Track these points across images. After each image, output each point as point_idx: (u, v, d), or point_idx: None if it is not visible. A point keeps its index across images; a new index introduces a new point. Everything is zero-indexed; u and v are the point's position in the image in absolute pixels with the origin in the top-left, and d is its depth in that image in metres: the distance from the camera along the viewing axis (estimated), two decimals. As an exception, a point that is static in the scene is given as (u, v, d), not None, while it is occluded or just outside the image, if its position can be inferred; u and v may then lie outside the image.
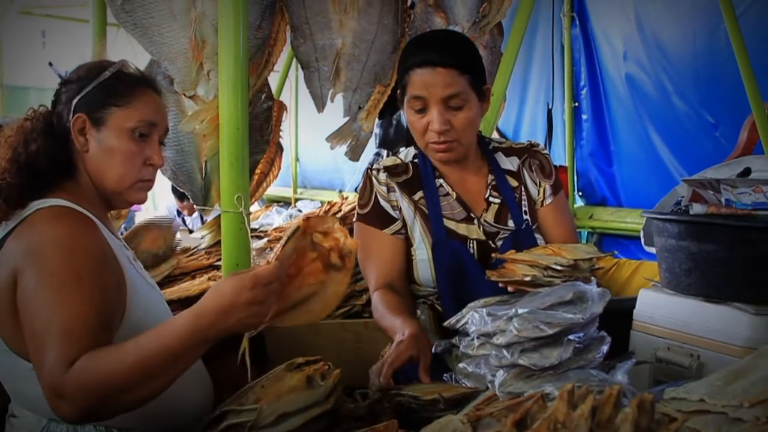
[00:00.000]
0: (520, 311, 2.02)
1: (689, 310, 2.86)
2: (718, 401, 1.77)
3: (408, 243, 2.71)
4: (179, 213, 8.12)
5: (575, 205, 6.51)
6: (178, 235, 4.06)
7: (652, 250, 3.50)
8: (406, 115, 2.65)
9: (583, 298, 2.07)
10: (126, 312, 2.11)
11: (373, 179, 2.70)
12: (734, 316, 2.71)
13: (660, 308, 2.99)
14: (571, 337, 1.99)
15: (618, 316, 2.69)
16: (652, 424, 1.37)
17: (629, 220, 5.84)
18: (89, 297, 1.95)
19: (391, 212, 2.70)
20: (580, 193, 6.57)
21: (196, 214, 7.79)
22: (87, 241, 2.04)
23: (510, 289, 2.32)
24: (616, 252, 5.16)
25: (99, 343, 1.90)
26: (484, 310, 2.10)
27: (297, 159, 9.93)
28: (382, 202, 2.71)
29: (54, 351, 1.86)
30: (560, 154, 6.59)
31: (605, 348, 2.07)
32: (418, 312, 2.70)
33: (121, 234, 2.80)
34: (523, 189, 2.75)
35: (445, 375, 2.30)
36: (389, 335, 2.47)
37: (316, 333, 2.98)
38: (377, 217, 2.71)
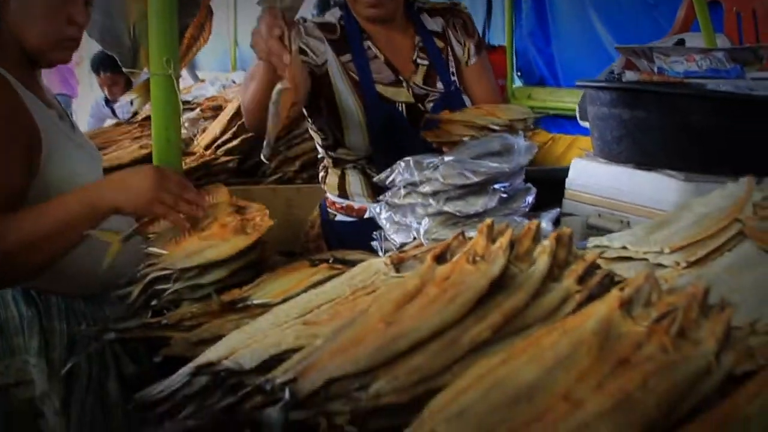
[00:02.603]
0: (446, 159, 2.02)
1: (620, 178, 2.87)
2: (640, 248, 1.80)
3: (312, 81, 2.64)
4: (107, 102, 7.91)
5: (514, 86, 6.49)
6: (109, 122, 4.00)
7: (587, 124, 3.50)
8: None
9: (510, 149, 2.08)
10: (40, 172, 2.08)
11: (300, 26, 2.61)
12: (664, 183, 2.72)
13: (592, 176, 2.99)
14: (496, 186, 2.00)
15: (551, 186, 2.70)
16: (569, 257, 1.38)
17: (567, 99, 5.81)
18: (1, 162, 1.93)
19: (308, 53, 2.61)
20: (519, 73, 6.54)
21: (125, 101, 7.58)
22: None
23: (445, 149, 2.31)
24: (550, 112, 5.15)
25: (10, 207, 1.91)
26: (411, 159, 2.09)
27: (236, 43, 9.79)
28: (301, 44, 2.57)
29: None
30: (499, 34, 6.54)
31: (530, 198, 2.09)
32: (349, 176, 2.69)
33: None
34: (449, 50, 2.72)
35: (374, 233, 2.30)
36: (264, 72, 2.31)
37: (248, 198, 2.95)
38: None
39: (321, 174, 2.87)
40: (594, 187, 2.97)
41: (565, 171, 3.16)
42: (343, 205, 2.72)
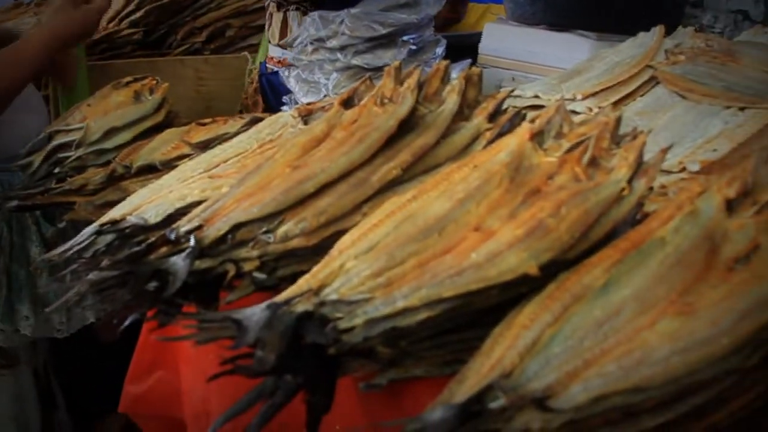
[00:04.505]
0: (352, 12, 1.97)
1: (533, 40, 2.84)
2: (552, 96, 1.78)
3: None
4: None
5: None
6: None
7: (501, -8, 3.45)
8: None
9: (419, 0, 2.03)
10: None
11: None
12: (576, 42, 2.70)
13: (505, 40, 2.95)
14: (405, 37, 1.97)
15: (464, 51, 2.66)
16: (479, 97, 1.35)
17: (480, -29, 5.76)
18: None
19: None
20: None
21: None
22: None
23: None
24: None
25: None
26: (317, 14, 2.04)
27: None
28: None
29: None
30: None
31: (440, 50, 2.06)
32: (290, 21, 2.65)
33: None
34: None
35: (284, 97, 2.25)
36: None
37: (155, 70, 2.87)
38: None
39: (266, 23, 2.82)
40: (507, 51, 2.94)
41: (477, 36, 3.12)
42: (281, 58, 2.68)
